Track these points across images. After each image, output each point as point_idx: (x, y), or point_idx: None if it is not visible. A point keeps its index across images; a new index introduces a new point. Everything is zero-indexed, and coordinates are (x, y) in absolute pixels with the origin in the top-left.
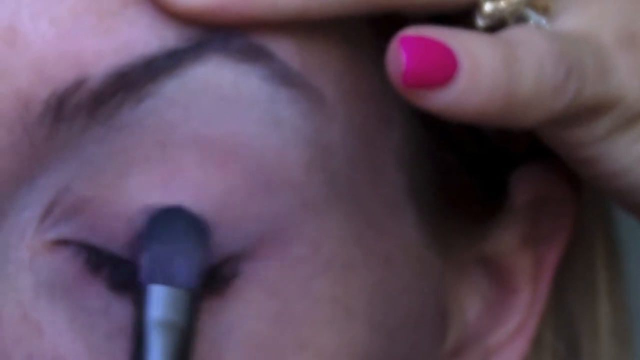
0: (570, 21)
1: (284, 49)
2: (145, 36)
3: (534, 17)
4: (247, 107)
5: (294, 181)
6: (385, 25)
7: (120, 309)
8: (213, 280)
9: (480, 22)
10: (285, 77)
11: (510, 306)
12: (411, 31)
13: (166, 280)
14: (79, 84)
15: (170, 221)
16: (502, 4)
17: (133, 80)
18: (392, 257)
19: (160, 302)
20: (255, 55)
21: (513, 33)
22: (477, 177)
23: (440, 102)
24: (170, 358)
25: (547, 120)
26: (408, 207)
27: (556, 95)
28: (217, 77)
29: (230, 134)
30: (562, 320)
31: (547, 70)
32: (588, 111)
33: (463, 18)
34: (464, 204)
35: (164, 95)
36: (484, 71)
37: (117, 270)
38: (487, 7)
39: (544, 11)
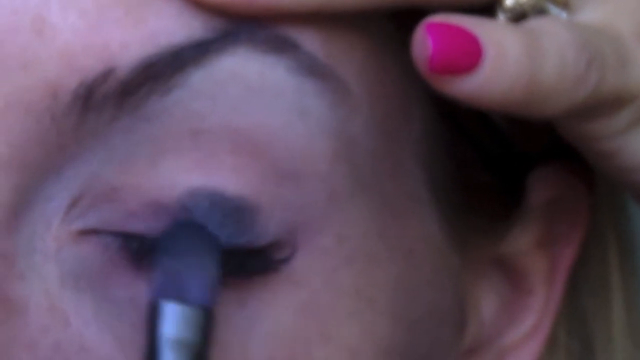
0: (590, 15)
1: (310, 41)
2: (172, 27)
3: (554, 10)
4: (274, 98)
5: (321, 172)
6: (407, 20)
7: (146, 298)
8: (245, 268)
9: (502, 15)
10: (311, 68)
11: (525, 306)
12: (438, 18)
13: (180, 297)
14: (107, 75)
15: (184, 235)
16: None
17: (160, 71)
18: (415, 251)
19: (173, 320)
20: (282, 46)
21: (535, 23)
22: (495, 176)
23: (465, 89)
24: None
25: (568, 111)
26: (429, 202)
27: (578, 85)
28: (243, 68)
29: (258, 124)
30: (575, 320)
31: (569, 60)
32: (608, 103)
33: (484, 12)
34: (482, 203)
35: (191, 86)
36: (508, 59)
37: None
38: (509, 1)
39: (564, 5)
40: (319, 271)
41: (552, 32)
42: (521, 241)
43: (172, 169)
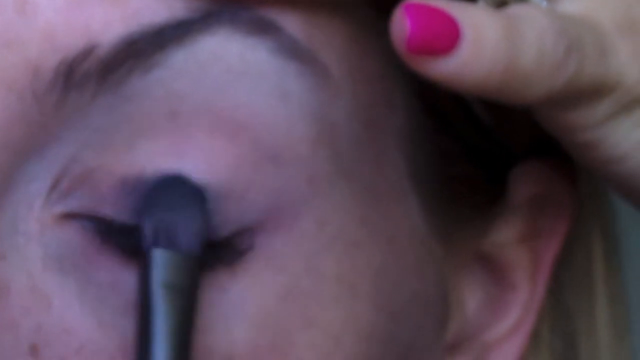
0: (571, 5)
1: (291, 24)
2: (154, 6)
3: None
4: (256, 80)
5: (301, 156)
6: (389, 7)
7: (129, 283)
8: (224, 252)
9: (482, 1)
10: (293, 51)
11: (509, 302)
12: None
13: (169, 245)
14: (88, 52)
15: (173, 189)
16: None
17: (142, 49)
18: (396, 239)
19: (164, 266)
20: (264, 28)
21: (515, 9)
22: (478, 169)
23: (442, 71)
24: (176, 319)
25: (546, 97)
26: (411, 192)
27: (556, 71)
28: (225, 49)
29: (239, 105)
30: (559, 317)
31: (547, 45)
32: (587, 92)
33: None
34: (465, 196)
35: (173, 65)
36: (487, 42)
37: (126, 239)
38: None
39: None
40: (300, 256)
41: (532, 17)
42: (504, 236)
43: (147, 151)
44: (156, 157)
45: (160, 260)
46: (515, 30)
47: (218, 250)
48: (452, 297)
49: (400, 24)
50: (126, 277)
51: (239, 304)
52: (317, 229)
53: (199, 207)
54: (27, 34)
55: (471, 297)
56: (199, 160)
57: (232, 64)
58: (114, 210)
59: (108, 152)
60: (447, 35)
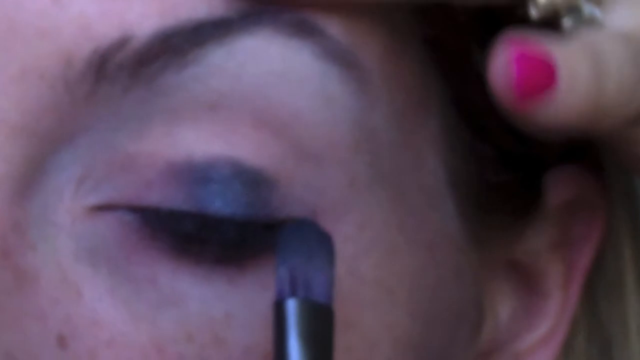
0: (623, 13)
1: (334, 28)
2: (193, 2)
3: (587, 8)
4: (298, 82)
5: (342, 159)
6: (426, 12)
7: (170, 277)
8: (263, 242)
9: (534, 13)
10: (337, 55)
11: (541, 311)
12: (516, 36)
13: (306, 295)
14: (122, 43)
15: (305, 234)
16: None
17: (178, 45)
18: (434, 246)
19: (302, 317)
20: (307, 31)
21: (593, 38)
22: (512, 176)
23: (542, 114)
24: None
25: (621, 124)
26: (448, 197)
27: (632, 99)
28: (265, 50)
29: (281, 105)
30: (593, 325)
31: (625, 76)
32: None
33: (515, 8)
34: (500, 202)
35: (211, 63)
36: (579, 83)
37: (177, 225)
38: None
39: (597, 2)
40: (341, 258)
41: (611, 49)
42: (537, 243)
43: (190, 137)
44: (202, 142)
45: (298, 312)
46: (601, 66)
47: (264, 236)
48: (485, 305)
49: (507, 71)
50: (167, 272)
51: None
52: (357, 232)
53: (330, 253)
54: (61, 23)
55: (503, 305)
56: (248, 148)
57: (273, 65)
58: (163, 196)
59: (146, 139)
60: (546, 78)
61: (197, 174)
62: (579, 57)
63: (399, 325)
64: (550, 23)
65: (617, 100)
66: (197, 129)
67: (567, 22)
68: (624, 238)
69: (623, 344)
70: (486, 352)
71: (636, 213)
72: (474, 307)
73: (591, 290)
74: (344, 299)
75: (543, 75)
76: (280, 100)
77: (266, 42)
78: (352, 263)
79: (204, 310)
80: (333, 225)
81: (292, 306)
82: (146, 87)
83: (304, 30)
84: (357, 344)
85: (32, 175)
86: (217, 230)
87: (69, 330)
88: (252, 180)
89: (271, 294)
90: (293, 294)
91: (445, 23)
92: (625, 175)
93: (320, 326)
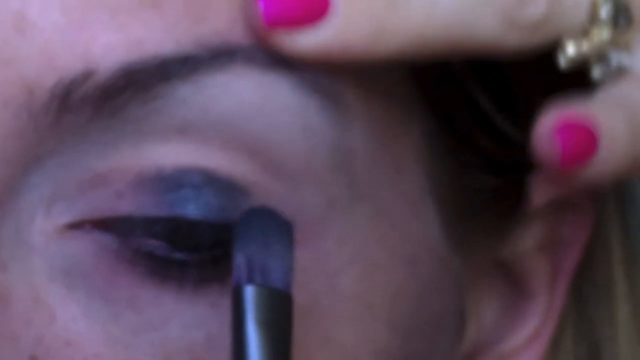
0: None
1: None
2: (160, 38)
3: (615, 55)
4: (275, 115)
5: (321, 181)
6: None
7: (150, 299)
8: None
9: (564, 64)
10: (316, 86)
11: (527, 311)
12: (560, 115)
13: (264, 282)
14: (86, 76)
15: (263, 222)
16: (585, 46)
17: (143, 79)
18: (416, 259)
19: (260, 303)
20: (284, 64)
21: (626, 92)
22: (496, 178)
23: (582, 176)
24: (271, 357)
25: None
26: (430, 206)
27: None
28: (238, 84)
29: (256, 134)
30: (581, 326)
31: None
32: None
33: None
34: (483, 205)
35: (177, 97)
36: (618, 145)
37: (151, 227)
38: (571, 51)
39: (625, 46)
40: (320, 274)
41: None
42: (523, 244)
43: (159, 152)
44: (172, 156)
45: (256, 298)
46: (636, 125)
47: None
48: (470, 307)
49: (552, 140)
50: (150, 297)
51: None
52: (338, 248)
53: (288, 240)
54: (25, 53)
55: (489, 306)
56: (219, 161)
57: (247, 98)
58: (135, 204)
59: (115, 156)
60: (589, 146)
61: (167, 182)
62: (617, 117)
63: (378, 339)
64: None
65: None
66: (166, 146)
67: (596, 72)
68: (613, 238)
69: (611, 344)
70: (471, 353)
71: (625, 213)
72: (456, 313)
73: (580, 290)
74: (323, 314)
75: (587, 143)
76: (255, 130)
77: (238, 77)
78: (331, 278)
79: (185, 334)
80: (312, 240)
81: (249, 293)
82: (110, 117)
83: (281, 64)
84: (335, 358)
85: (3, 196)
86: (191, 234)
87: (41, 352)
88: (224, 187)
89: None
90: (250, 280)
91: None
92: None
93: (278, 312)
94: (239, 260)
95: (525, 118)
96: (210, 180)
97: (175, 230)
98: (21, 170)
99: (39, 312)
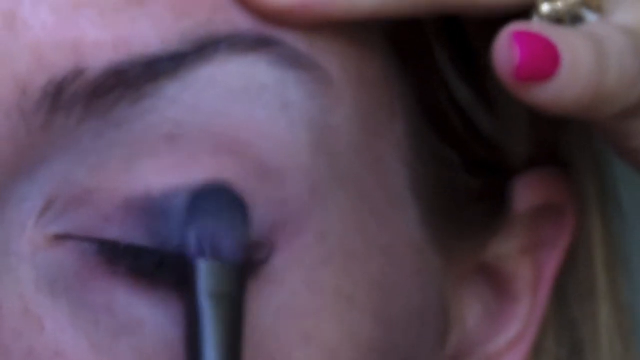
0: (624, 18)
1: (291, 36)
2: (147, 36)
3: (588, 15)
4: (256, 94)
5: (303, 165)
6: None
7: (125, 304)
8: None
9: (539, 21)
10: (293, 60)
11: (510, 314)
12: (521, 26)
13: (214, 255)
14: (77, 74)
15: (214, 198)
16: (559, 4)
17: (132, 79)
18: (393, 248)
19: (210, 276)
20: (263, 44)
21: (595, 28)
22: (479, 181)
23: (543, 96)
24: (225, 329)
25: (620, 113)
26: (410, 202)
27: (632, 88)
28: (223, 72)
29: (240, 124)
30: (563, 327)
31: (627, 64)
32: None
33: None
34: (466, 207)
35: (166, 95)
36: (582, 66)
37: (134, 260)
38: (545, 8)
39: (597, 9)
40: (299, 270)
41: (612, 37)
42: (505, 247)
43: (147, 171)
44: (160, 176)
45: (207, 271)
46: (602, 52)
47: None
48: (453, 309)
49: (509, 52)
50: (122, 298)
51: None
52: (318, 242)
53: (241, 215)
54: (16, 51)
55: (472, 309)
56: (206, 175)
57: (231, 84)
58: (122, 230)
59: (105, 173)
60: (550, 61)
61: (155, 209)
62: (582, 43)
63: (360, 332)
64: None
65: (616, 90)
66: (155, 161)
67: None
68: (596, 240)
69: (593, 345)
70: (455, 356)
71: (608, 216)
72: (439, 310)
73: (562, 292)
74: (302, 311)
75: (546, 59)
76: (239, 118)
77: (223, 65)
78: (311, 274)
79: (160, 335)
80: (292, 237)
81: (199, 267)
82: (101, 118)
83: (260, 44)
84: (317, 355)
85: None
86: (176, 266)
87: None
88: (239, 204)
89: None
90: (200, 255)
91: (410, 26)
92: (597, 178)
93: (229, 285)
94: (190, 235)
95: (506, 118)
96: (235, 200)
97: (160, 263)
98: (12, 178)
99: (28, 324)
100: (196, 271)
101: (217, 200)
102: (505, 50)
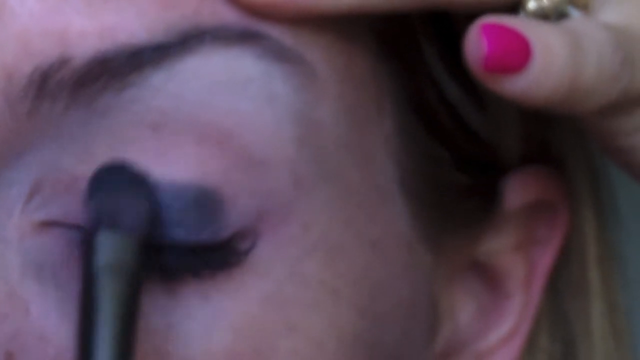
0: (609, 16)
1: (277, 30)
2: (132, 26)
3: (574, 12)
4: (242, 86)
5: (287, 158)
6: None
7: None
8: (215, 258)
9: (523, 14)
10: (279, 54)
11: (503, 310)
12: (492, 19)
13: (112, 226)
14: (62, 62)
15: (115, 175)
16: (545, 1)
17: (116, 68)
18: (381, 243)
19: (107, 247)
20: (249, 37)
21: (573, 24)
22: (470, 177)
23: (515, 88)
24: (120, 301)
25: (601, 108)
26: (399, 198)
27: (612, 83)
28: (207, 64)
29: (225, 114)
30: (556, 323)
31: (606, 59)
32: (633, 101)
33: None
34: (457, 204)
35: (150, 85)
36: (555, 59)
37: None
38: (531, 4)
39: (584, 7)
40: (284, 261)
41: (590, 32)
42: (498, 244)
43: (132, 159)
44: (145, 166)
45: (104, 242)
46: (578, 46)
47: (208, 256)
48: (444, 305)
49: (477, 44)
50: None
51: (221, 312)
52: (302, 233)
53: (142, 189)
54: (3, 38)
55: (464, 305)
56: (189, 165)
57: (216, 76)
58: None
59: (90, 160)
60: (520, 53)
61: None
62: (557, 37)
63: (344, 323)
64: None
65: (594, 84)
66: (140, 149)
67: None
68: (589, 237)
69: (586, 342)
70: (446, 352)
71: (601, 213)
72: (427, 306)
73: (555, 288)
74: (287, 302)
75: (516, 50)
76: (224, 109)
77: (207, 57)
78: (295, 265)
79: (144, 323)
80: (276, 227)
81: (97, 239)
82: (86, 106)
83: (246, 37)
84: (302, 347)
85: None
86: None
87: (16, 347)
88: (194, 201)
89: (213, 304)
90: (98, 226)
91: (399, 23)
92: (590, 175)
93: (127, 257)
94: (89, 208)
95: (495, 115)
96: (180, 196)
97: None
98: (0, 163)
99: (14, 308)
100: (93, 243)
101: (117, 176)
102: (474, 41)
